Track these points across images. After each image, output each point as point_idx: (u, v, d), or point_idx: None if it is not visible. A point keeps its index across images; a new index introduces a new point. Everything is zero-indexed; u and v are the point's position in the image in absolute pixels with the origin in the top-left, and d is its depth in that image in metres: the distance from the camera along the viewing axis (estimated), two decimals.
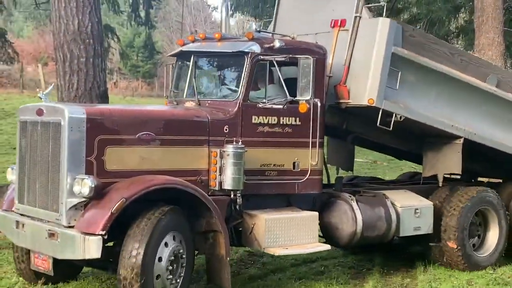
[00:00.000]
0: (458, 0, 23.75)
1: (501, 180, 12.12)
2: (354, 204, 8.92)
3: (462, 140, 9.81)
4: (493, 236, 10.40)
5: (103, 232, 6.64)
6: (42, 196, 7.34)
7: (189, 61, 8.65)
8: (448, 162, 10.01)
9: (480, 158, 11.13)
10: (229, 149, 7.67)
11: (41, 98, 7.67)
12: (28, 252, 7.87)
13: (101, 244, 6.68)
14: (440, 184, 10.20)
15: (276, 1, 10.62)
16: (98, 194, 6.87)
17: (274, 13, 10.62)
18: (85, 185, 6.82)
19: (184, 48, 8.78)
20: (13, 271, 8.80)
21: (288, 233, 8.14)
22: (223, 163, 7.71)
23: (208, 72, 8.88)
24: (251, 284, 9.00)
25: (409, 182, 11.47)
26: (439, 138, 10.02)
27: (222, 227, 7.45)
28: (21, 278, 8.39)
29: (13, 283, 8.45)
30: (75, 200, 6.96)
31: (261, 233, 8.00)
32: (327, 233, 9.14)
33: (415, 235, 9.77)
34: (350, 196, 9.03)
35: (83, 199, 6.93)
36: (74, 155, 7.03)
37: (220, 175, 7.76)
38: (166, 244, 7.10)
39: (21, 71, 35.94)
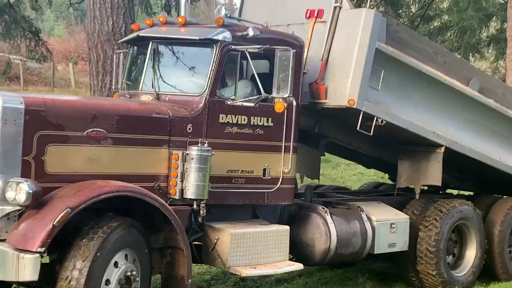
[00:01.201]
0: (490, 8, 23.48)
1: (471, 193, 11.60)
2: (328, 217, 7.97)
3: (443, 149, 9.01)
4: (470, 254, 9.60)
5: (42, 250, 5.45)
6: None
7: (147, 49, 7.48)
8: (427, 173, 9.20)
9: (452, 168, 10.38)
10: (193, 151, 6.62)
11: None
12: None
13: (39, 264, 5.48)
14: (417, 197, 9.41)
15: None
16: (36, 202, 5.69)
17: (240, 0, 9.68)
18: (20, 190, 5.61)
19: (142, 33, 7.62)
20: None
21: (256, 250, 7.13)
22: (186, 168, 6.64)
23: (169, 62, 7.65)
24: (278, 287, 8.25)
25: (380, 193, 10.61)
26: (417, 146, 9.21)
27: (184, 243, 6.35)
28: None
29: None
30: (7, 208, 5.75)
31: (226, 249, 6.96)
32: (296, 249, 8.10)
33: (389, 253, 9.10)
34: (324, 208, 8.07)
35: (18, 207, 5.71)
36: (8, 154, 5.84)
37: (182, 181, 6.68)
38: (116, 264, 5.96)
39: (53, 70, 35.31)
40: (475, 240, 9.60)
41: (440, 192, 11.15)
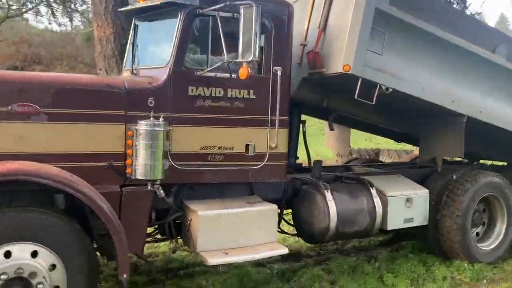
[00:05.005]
0: None
1: (505, 163, 7.99)
2: (328, 194, 4.92)
3: (465, 119, 5.58)
4: (499, 227, 6.09)
5: None
6: None
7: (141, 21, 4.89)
8: (449, 144, 5.76)
9: (483, 139, 6.67)
10: (141, 126, 3.89)
11: None
12: None
13: None
14: (439, 169, 6.02)
15: None
16: None
17: None
18: None
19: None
20: None
21: (233, 233, 4.28)
22: (135, 145, 3.94)
23: (145, 36, 4.85)
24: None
25: (405, 165, 7.01)
26: (437, 117, 5.78)
27: (114, 231, 3.61)
28: None
29: None
30: None
31: (195, 232, 4.22)
32: (297, 227, 5.26)
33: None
34: (325, 185, 5.01)
35: None
36: None
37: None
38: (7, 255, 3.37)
39: None
40: (506, 213, 6.04)
41: (474, 163, 7.74)
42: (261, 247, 4.34)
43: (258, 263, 5.80)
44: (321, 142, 13.56)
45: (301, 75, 5.17)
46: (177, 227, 4.60)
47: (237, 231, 4.31)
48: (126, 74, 4.77)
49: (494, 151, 7.24)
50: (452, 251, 5.71)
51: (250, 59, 3.90)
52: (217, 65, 4.16)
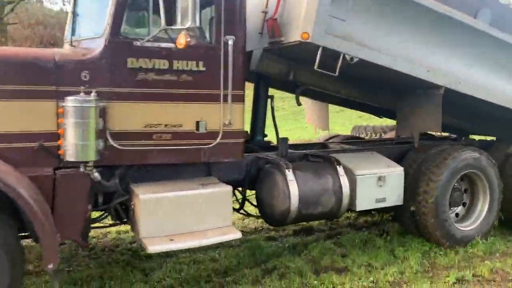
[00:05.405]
0: None
1: (494, 138, 7.59)
2: (289, 173, 4.55)
3: (442, 90, 5.15)
4: (481, 206, 5.71)
5: None
6: None
7: None
8: (425, 118, 5.33)
9: (467, 112, 6.31)
10: (68, 103, 3.51)
11: None
12: None
13: None
14: (416, 145, 5.61)
15: None
16: None
17: None
18: None
19: None
20: None
21: (182, 217, 3.94)
22: (64, 124, 3.56)
23: (85, 2, 4.43)
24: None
25: (382, 142, 6.74)
26: (412, 89, 5.36)
27: (34, 216, 3.25)
28: None
29: None
30: None
31: (138, 217, 3.90)
32: (259, 209, 4.88)
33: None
34: (286, 164, 4.64)
35: None
36: None
37: None
38: None
39: None
40: (488, 192, 5.70)
41: (463, 138, 7.36)
42: (211, 232, 4.01)
43: (270, 237, 5.90)
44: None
45: (262, 45, 4.78)
46: (126, 212, 4.30)
47: (186, 215, 3.98)
48: (66, 46, 4.39)
49: (482, 126, 6.85)
50: (427, 231, 5.38)
51: (187, 25, 3.51)
52: (153, 34, 3.77)
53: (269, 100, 5.50)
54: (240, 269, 4.86)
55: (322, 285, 4.49)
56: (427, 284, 4.58)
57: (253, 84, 5.52)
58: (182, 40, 3.52)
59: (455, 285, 4.64)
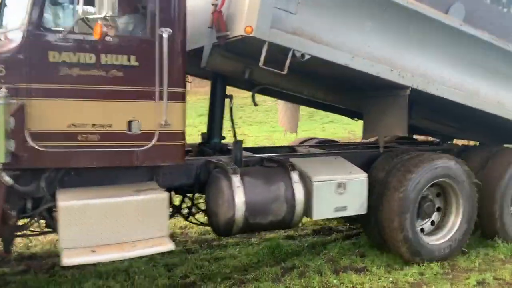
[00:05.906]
0: None
1: (477, 143, 7.18)
2: (235, 179, 4.19)
3: (408, 91, 4.75)
4: (452, 220, 5.25)
5: None
6: None
7: None
8: (391, 122, 4.97)
9: (448, 116, 5.92)
10: None
11: None
12: None
13: None
14: (381, 150, 5.27)
15: None
16: None
17: None
18: None
19: None
20: None
21: (107, 227, 3.59)
22: None
23: None
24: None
25: (356, 146, 6.26)
26: (377, 90, 4.97)
27: None
28: None
29: None
30: None
31: (59, 226, 3.53)
32: (208, 217, 4.58)
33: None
34: (233, 169, 4.29)
35: None
36: None
37: None
38: None
39: None
40: (461, 203, 5.23)
41: (448, 142, 6.91)
42: (141, 243, 3.66)
43: (289, 236, 5.96)
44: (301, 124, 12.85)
45: (212, 40, 4.45)
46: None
47: (114, 225, 3.63)
48: None
49: (465, 130, 6.48)
50: (393, 244, 4.99)
51: (103, 14, 3.18)
52: (71, 25, 3.44)
53: (227, 99, 5.18)
54: (259, 266, 4.94)
55: (342, 284, 4.50)
56: (447, 286, 4.49)
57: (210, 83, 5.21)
58: (97, 31, 3.19)
59: (476, 287, 4.50)
